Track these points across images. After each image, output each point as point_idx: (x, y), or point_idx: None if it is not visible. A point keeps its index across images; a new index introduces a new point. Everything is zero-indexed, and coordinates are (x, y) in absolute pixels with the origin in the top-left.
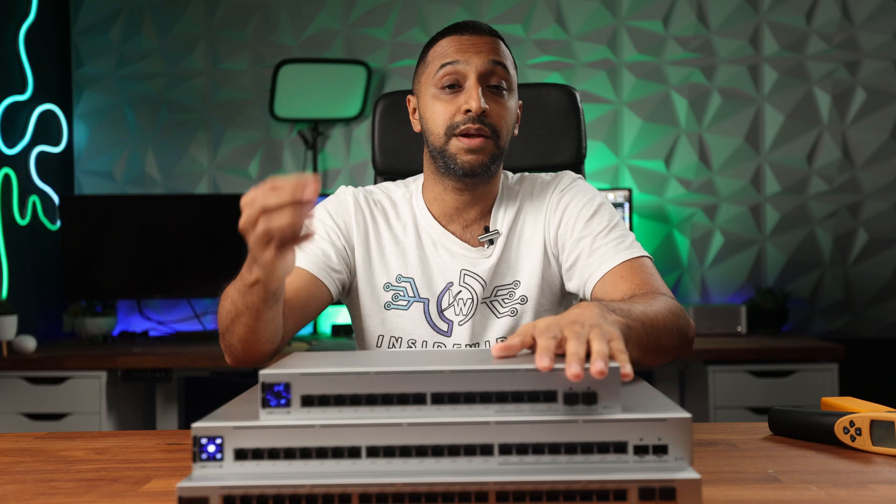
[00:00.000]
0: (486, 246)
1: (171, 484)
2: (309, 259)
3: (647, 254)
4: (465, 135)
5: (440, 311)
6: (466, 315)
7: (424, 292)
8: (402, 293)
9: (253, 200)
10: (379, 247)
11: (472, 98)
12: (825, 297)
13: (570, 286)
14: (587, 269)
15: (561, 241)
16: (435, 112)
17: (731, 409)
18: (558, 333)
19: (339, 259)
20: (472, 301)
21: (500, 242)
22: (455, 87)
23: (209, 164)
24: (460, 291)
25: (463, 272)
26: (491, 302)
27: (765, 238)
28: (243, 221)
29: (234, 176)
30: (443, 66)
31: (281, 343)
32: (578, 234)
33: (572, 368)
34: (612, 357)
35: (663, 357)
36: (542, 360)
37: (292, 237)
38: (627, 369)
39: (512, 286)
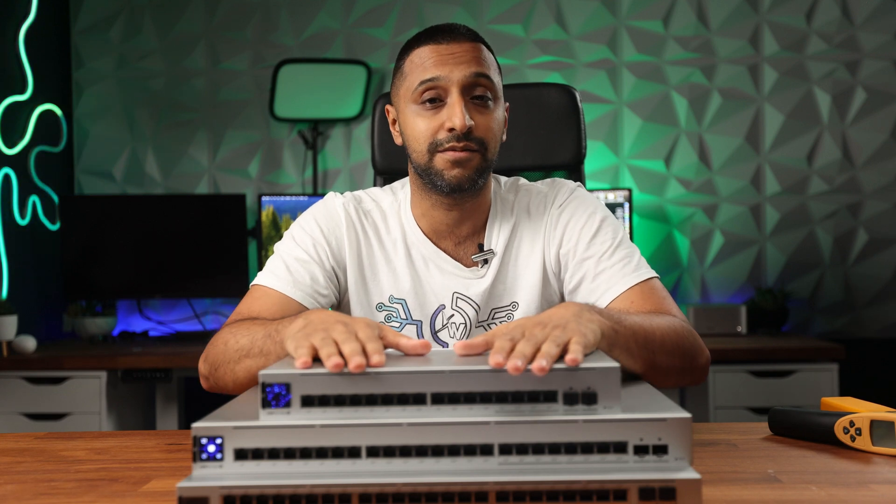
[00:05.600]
0: (479, 266)
1: (171, 484)
2: (297, 287)
3: (654, 273)
4: (450, 151)
5: (434, 333)
6: (461, 338)
7: (417, 314)
8: (394, 314)
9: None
10: (371, 266)
11: (456, 115)
12: (825, 297)
13: None
14: (593, 293)
15: (563, 260)
16: (416, 129)
17: (731, 409)
18: (518, 336)
19: (327, 281)
20: (465, 325)
21: (495, 262)
22: (436, 101)
23: (209, 164)
24: (452, 315)
25: (455, 295)
26: (489, 325)
27: (765, 238)
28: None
29: (234, 176)
30: (422, 82)
31: None
32: (581, 254)
33: (511, 363)
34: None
35: (662, 376)
36: (494, 357)
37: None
38: (574, 356)
39: (510, 308)
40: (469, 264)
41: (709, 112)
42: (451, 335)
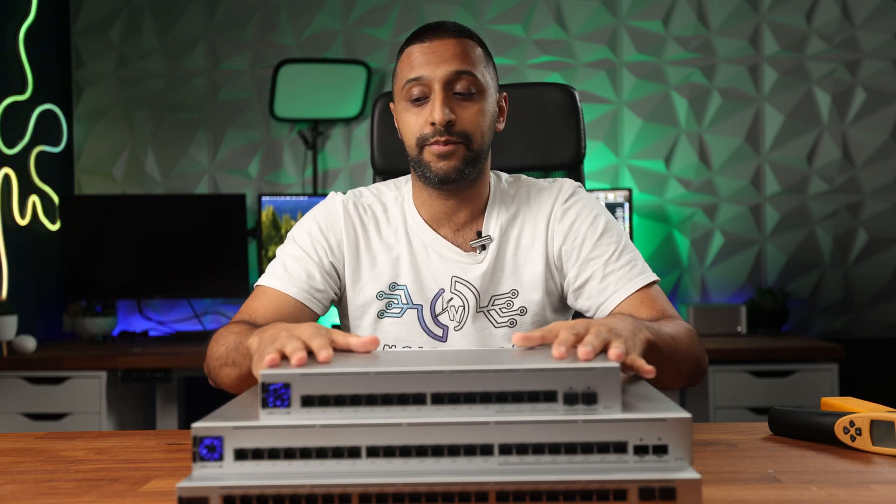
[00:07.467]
0: (478, 251)
1: (171, 484)
2: (293, 283)
3: (655, 276)
4: (435, 144)
5: (434, 317)
6: (460, 322)
7: (418, 298)
8: (395, 301)
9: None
10: (370, 256)
11: (436, 111)
12: (825, 297)
13: (578, 305)
14: (602, 293)
15: (566, 256)
16: (406, 124)
17: (731, 409)
18: (581, 331)
19: (324, 278)
20: (464, 308)
21: (492, 248)
22: (423, 98)
23: (209, 164)
24: (452, 298)
25: (454, 279)
26: (488, 311)
27: (765, 238)
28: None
29: (234, 176)
30: (408, 81)
31: None
32: (587, 254)
33: (582, 348)
34: (628, 366)
35: (677, 381)
36: (558, 349)
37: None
38: (648, 367)
39: (509, 295)
40: (468, 250)
41: (709, 112)
42: (451, 318)
